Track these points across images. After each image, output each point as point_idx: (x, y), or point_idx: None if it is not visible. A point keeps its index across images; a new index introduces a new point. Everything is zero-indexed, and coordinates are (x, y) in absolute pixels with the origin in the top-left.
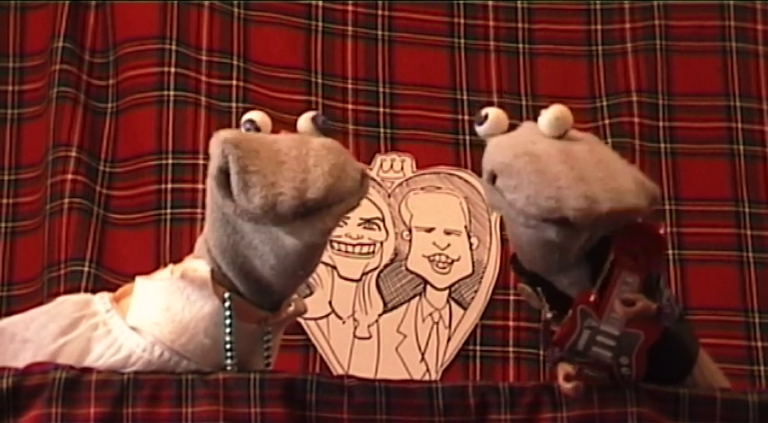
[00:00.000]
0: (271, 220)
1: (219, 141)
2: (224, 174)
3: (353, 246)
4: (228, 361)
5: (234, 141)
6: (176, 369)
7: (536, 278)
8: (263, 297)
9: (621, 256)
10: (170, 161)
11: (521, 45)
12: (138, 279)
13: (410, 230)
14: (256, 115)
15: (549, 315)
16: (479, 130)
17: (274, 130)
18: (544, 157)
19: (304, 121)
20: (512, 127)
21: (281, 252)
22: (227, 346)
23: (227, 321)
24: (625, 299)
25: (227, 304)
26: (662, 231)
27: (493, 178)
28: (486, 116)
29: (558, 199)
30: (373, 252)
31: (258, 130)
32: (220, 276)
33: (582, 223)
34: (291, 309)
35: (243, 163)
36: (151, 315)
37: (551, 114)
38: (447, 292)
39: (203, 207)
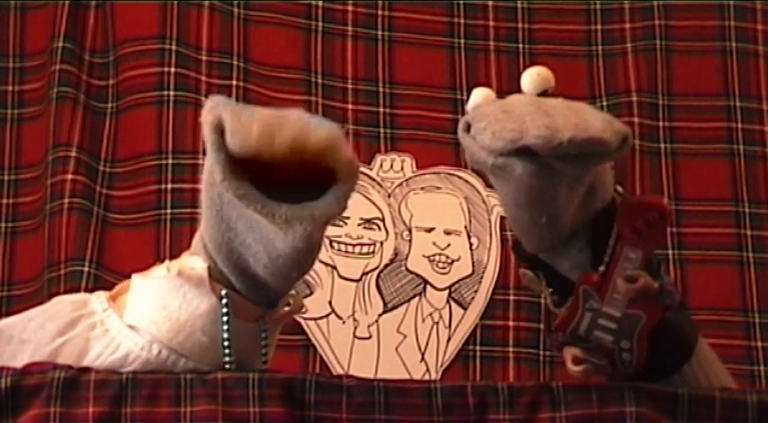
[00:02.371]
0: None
1: None
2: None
3: (353, 246)
4: (227, 359)
5: None
6: (174, 367)
7: (537, 262)
8: (260, 294)
9: (624, 231)
10: (170, 161)
11: (521, 45)
12: (135, 277)
13: (410, 230)
14: None
15: (550, 299)
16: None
17: None
18: (515, 102)
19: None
20: None
21: (272, 253)
22: (225, 344)
23: (225, 319)
24: (627, 276)
25: (224, 302)
26: (665, 201)
27: (468, 128)
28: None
29: (521, 130)
30: (373, 252)
31: None
32: (217, 273)
33: (544, 151)
34: (289, 306)
35: None
36: (148, 313)
37: (532, 71)
38: (447, 292)
39: None
